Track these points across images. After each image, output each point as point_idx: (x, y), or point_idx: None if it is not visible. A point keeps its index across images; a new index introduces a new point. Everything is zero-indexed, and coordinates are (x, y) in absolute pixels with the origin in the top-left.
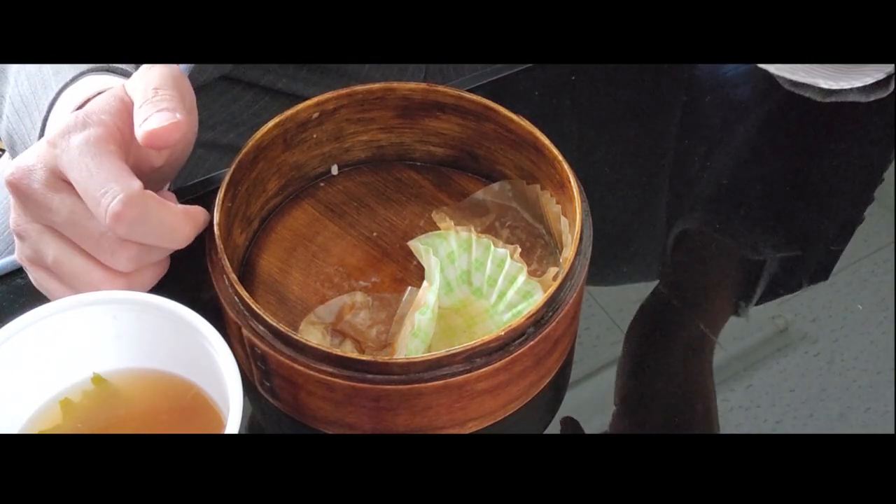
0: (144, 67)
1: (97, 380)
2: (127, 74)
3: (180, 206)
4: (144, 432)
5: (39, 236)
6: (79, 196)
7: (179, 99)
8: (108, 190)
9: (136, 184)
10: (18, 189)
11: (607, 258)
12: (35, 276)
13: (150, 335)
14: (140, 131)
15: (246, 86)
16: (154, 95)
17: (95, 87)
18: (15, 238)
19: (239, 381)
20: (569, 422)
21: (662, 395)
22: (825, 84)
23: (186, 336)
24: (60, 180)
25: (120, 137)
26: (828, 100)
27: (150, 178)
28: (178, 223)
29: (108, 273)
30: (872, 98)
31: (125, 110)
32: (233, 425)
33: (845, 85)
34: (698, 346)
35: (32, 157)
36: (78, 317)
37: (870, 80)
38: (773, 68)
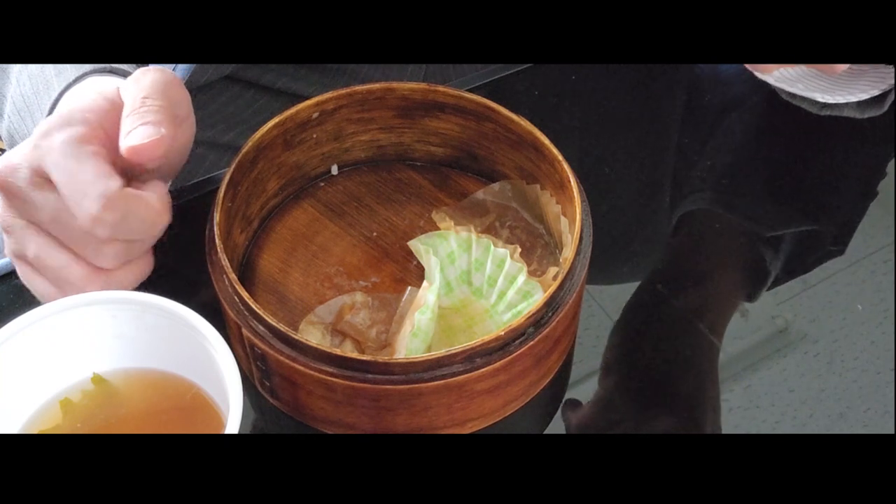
0: (140, 72)
1: (97, 379)
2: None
3: (154, 195)
4: (144, 432)
5: (23, 231)
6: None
7: (168, 109)
8: (88, 193)
9: (115, 184)
10: (3, 186)
11: (607, 258)
12: (20, 271)
13: (150, 335)
14: (123, 145)
15: (245, 85)
16: (141, 105)
17: (98, 88)
18: (3, 233)
19: (239, 381)
20: (570, 405)
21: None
22: (821, 98)
23: (186, 336)
24: (44, 179)
25: (104, 136)
26: (823, 112)
27: (147, 179)
28: (158, 216)
29: (90, 269)
30: (867, 115)
31: (113, 110)
32: (233, 425)
33: (840, 99)
34: (697, 345)
35: (18, 156)
36: (78, 317)
37: (865, 96)
38: (771, 80)
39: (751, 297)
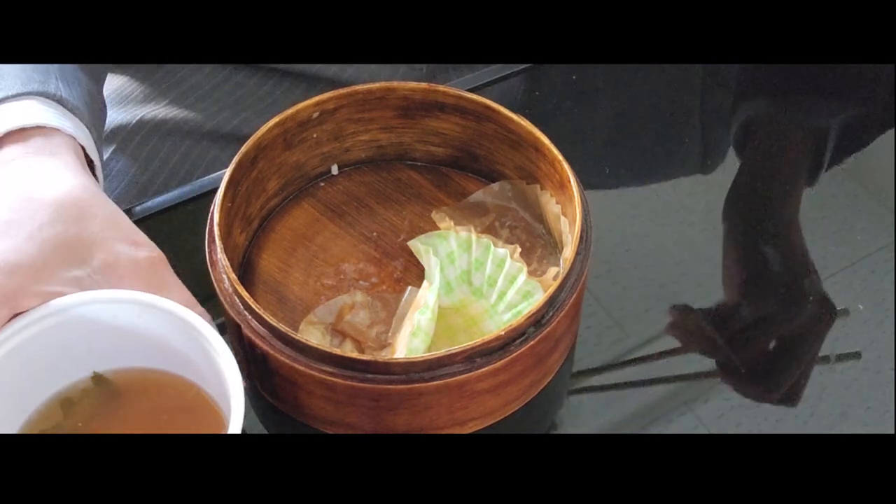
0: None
1: (97, 379)
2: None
3: None
4: (145, 432)
5: None
6: None
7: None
8: None
9: None
10: None
11: (607, 258)
12: None
13: (151, 335)
14: None
15: (250, 71)
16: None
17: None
18: None
19: (240, 382)
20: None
21: None
22: None
23: (186, 336)
24: None
25: None
26: None
27: None
28: None
29: None
30: None
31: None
32: (235, 425)
33: None
34: None
35: None
36: (78, 316)
37: None
38: None
39: None
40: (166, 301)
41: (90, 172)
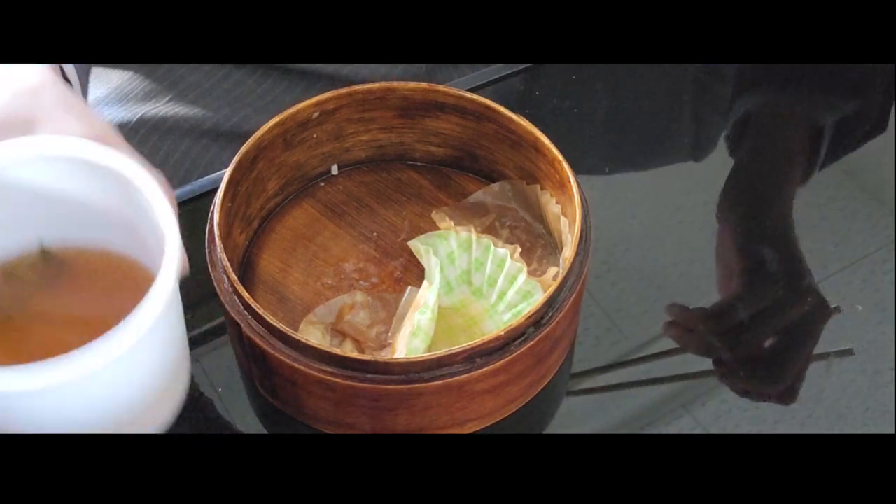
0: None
1: (45, 254)
2: None
3: None
4: (86, 310)
5: None
6: None
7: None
8: None
9: None
10: None
11: (606, 258)
12: None
13: (97, 203)
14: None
15: (249, 68)
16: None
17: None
18: None
19: (176, 232)
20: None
21: None
22: None
23: (128, 198)
24: None
25: None
26: None
27: None
28: None
29: None
30: None
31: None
32: (165, 280)
33: None
34: None
35: None
36: (19, 179)
37: None
38: None
39: None
40: (105, 154)
41: (61, 76)
